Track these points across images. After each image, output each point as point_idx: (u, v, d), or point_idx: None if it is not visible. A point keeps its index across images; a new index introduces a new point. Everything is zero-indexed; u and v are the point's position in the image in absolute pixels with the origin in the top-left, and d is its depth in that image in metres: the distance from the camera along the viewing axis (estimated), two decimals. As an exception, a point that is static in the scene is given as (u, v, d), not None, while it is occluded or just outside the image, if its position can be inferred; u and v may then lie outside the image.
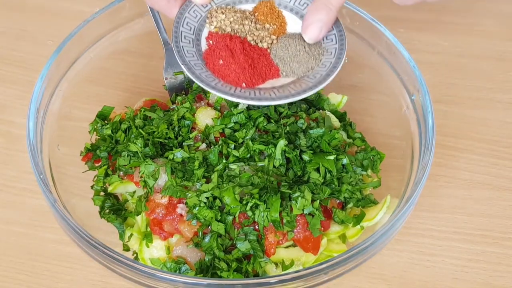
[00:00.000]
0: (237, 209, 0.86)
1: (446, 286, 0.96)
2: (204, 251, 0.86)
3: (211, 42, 0.90)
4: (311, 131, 0.93)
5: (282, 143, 0.89)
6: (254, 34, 0.91)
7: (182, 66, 0.87)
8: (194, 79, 0.86)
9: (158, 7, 0.91)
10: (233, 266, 0.85)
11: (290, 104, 0.98)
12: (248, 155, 0.91)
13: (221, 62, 0.88)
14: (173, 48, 0.88)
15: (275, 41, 0.91)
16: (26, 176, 1.04)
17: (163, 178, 0.88)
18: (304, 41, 0.90)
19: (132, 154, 0.91)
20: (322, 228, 0.88)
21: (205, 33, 0.91)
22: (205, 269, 0.86)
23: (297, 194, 0.87)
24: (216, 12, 0.91)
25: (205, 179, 0.88)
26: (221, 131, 0.93)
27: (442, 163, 1.08)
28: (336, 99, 1.05)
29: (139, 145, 0.90)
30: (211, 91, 0.85)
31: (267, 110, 0.95)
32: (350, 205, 0.92)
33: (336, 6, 0.87)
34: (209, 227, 0.86)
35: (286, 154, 0.90)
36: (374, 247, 0.81)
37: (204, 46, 0.90)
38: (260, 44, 0.91)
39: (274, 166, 0.90)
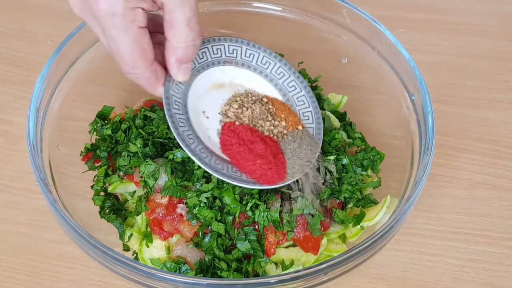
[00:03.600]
0: (237, 209, 0.86)
1: (446, 286, 0.96)
2: (204, 251, 0.86)
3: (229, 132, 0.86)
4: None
5: None
6: (271, 130, 0.88)
7: (190, 154, 0.82)
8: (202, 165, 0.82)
9: (145, 84, 0.82)
10: (233, 266, 0.85)
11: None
12: (248, 155, 0.91)
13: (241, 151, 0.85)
14: (175, 136, 0.83)
15: (285, 137, 0.88)
16: (26, 176, 1.04)
17: (163, 178, 0.88)
18: (303, 134, 0.88)
19: (132, 155, 0.91)
20: (322, 228, 0.88)
21: (193, 103, 0.86)
22: (205, 269, 0.86)
23: (297, 194, 0.87)
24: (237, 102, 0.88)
25: (205, 179, 0.88)
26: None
27: (442, 163, 1.08)
28: (336, 99, 1.05)
29: (139, 145, 0.90)
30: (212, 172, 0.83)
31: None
32: (350, 205, 0.92)
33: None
34: (209, 227, 0.86)
35: None
36: (374, 247, 0.81)
37: (193, 117, 0.86)
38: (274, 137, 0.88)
39: None
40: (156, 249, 0.89)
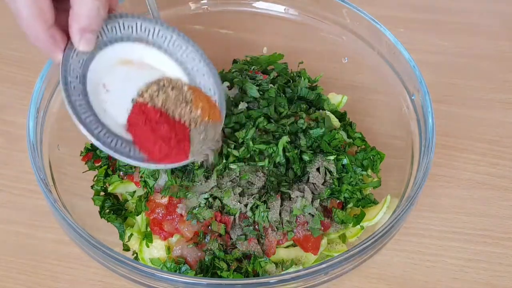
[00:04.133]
0: (237, 210, 0.86)
1: (446, 286, 0.96)
2: (204, 251, 0.86)
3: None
4: (311, 131, 0.93)
5: (285, 138, 0.90)
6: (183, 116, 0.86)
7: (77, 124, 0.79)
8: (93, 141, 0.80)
9: (42, 45, 0.78)
10: (233, 266, 0.85)
11: (290, 104, 0.98)
12: (248, 155, 0.91)
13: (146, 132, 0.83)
14: (66, 103, 0.80)
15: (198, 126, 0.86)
16: (26, 176, 1.04)
17: (163, 178, 0.88)
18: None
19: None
20: (322, 228, 0.88)
21: (93, 75, 0.83)
22: (205, 269, 0.86)
23: (297, 194, 0.87)
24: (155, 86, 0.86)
25: (205, 179, 0.88)
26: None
27: (442, 163, 1.08)
28: (336, 99, 1.05)
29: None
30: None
31: (267, 110, 0.95)
32: (350, 205, 0.92)
33: None
34: (209, 227, 0.86)
35: (287, 153, 0.90)
36: (374, 247, 0.81)
37: (91, 89, 0.83)
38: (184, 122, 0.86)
39: (275, 165, 0.90)
40: (156, 249, 0.89)
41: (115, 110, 0.84)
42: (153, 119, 0.83)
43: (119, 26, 0.85)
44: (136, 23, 0.86)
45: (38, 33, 0.76)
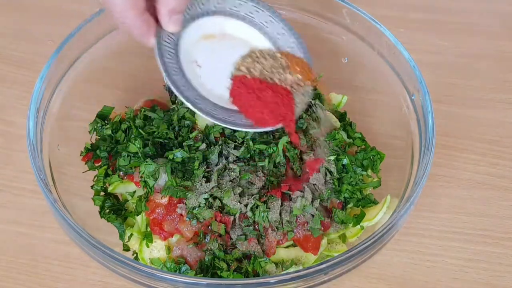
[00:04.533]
0: (237, 210, 0.86)
1: (446, 286, 0.96)
2: (204, 251, 0.86)
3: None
4: (311, 131, 0.93)
5: (285, 138, 0.90)
6: (283, 81, 0.91)
7: (185, 102, 0.86)
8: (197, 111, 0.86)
9: (137, 33, 0.84)
10: (233, 266, 0.85)
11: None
12: (248, 155, 0.91)
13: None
14: (168, 84, 0.86)
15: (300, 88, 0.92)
16: (26, 176, 1.04)
17: (163, 178, 0.88)
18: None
19: (132, 155, 0.91)
20: (322, 228, 0.88)
21: (184, 53, 0.89)
22: (205, 269, 0.86)
23: (297, 194, 0.87)
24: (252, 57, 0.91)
25: (205, 179, 0.88)
26: (221, 131, 0.93)
27: (442, 163, 1.08)
28: (336, 99, 1.05)
29: (138, 145, 0.90)
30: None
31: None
32: (350, 205, 0.92)
33: None
34: (209, 227, 0.86)
35: (287, 153, 0.90)
36: (374, 247, 0.81)
37: (184, 61, 0.89)
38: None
39: (275, 165, 0.90)
40: (156, 249, 0.89)
41: (211, 83, 0.89)
42: (256, 88, 0.88)
43: (198, 2, 0.89)
44: None
45: (133, 21, 0.81)
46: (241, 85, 0.89)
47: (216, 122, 0.87)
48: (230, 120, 0.87)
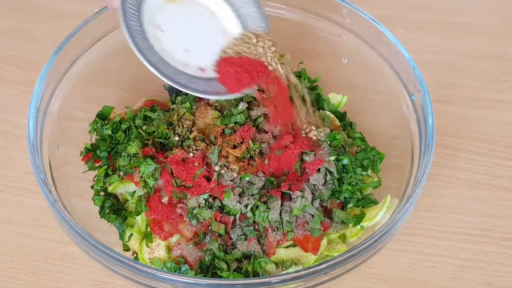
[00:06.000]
0: (237, 210, 0.86)
1: (446, 286, 0.96)
2: (204, 251, 0.86)
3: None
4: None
5: None
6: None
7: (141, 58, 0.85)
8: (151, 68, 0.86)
9: None
10: (233, 266, 0.85)
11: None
12: (248, 155, 0.91)
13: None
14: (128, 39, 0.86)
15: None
16: (26, 176, 1.04)
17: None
18: None
19: (132, 155, 0.91)
20: (322, 228, 0.88)
21: (147, 16, 0.89)
22: (205, 269, 0.86)
23: (297, 194, 0.87)
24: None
25: (205, 179, 0.88)
26: (221, 131, 0.93)
27: (442, 163, 1.08)
28: (336, 99, 1.05)
29: (137, 146, 0.90)
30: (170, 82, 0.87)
31: (267, 110, 0.95)
32: (350, 205, 0.92)
33: None
34: (209, 227, 0.86)
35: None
36: (374, 247, 0.81)
37: (147, 24, 0.89)
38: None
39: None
40: (156, 249, 0.89)
41: (172, 48, 0.89)
42: (239, 64, 0.90)
43: None
44: None
45: None
46: (227, 63, 0.90)
47: (178, 87, 0.86)
48: (193, 86, 0.87)
